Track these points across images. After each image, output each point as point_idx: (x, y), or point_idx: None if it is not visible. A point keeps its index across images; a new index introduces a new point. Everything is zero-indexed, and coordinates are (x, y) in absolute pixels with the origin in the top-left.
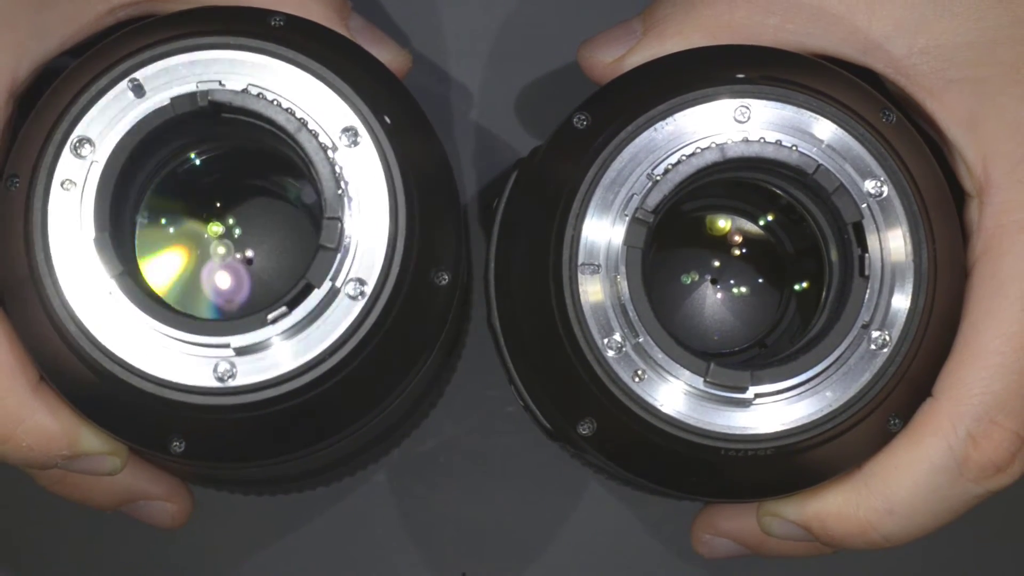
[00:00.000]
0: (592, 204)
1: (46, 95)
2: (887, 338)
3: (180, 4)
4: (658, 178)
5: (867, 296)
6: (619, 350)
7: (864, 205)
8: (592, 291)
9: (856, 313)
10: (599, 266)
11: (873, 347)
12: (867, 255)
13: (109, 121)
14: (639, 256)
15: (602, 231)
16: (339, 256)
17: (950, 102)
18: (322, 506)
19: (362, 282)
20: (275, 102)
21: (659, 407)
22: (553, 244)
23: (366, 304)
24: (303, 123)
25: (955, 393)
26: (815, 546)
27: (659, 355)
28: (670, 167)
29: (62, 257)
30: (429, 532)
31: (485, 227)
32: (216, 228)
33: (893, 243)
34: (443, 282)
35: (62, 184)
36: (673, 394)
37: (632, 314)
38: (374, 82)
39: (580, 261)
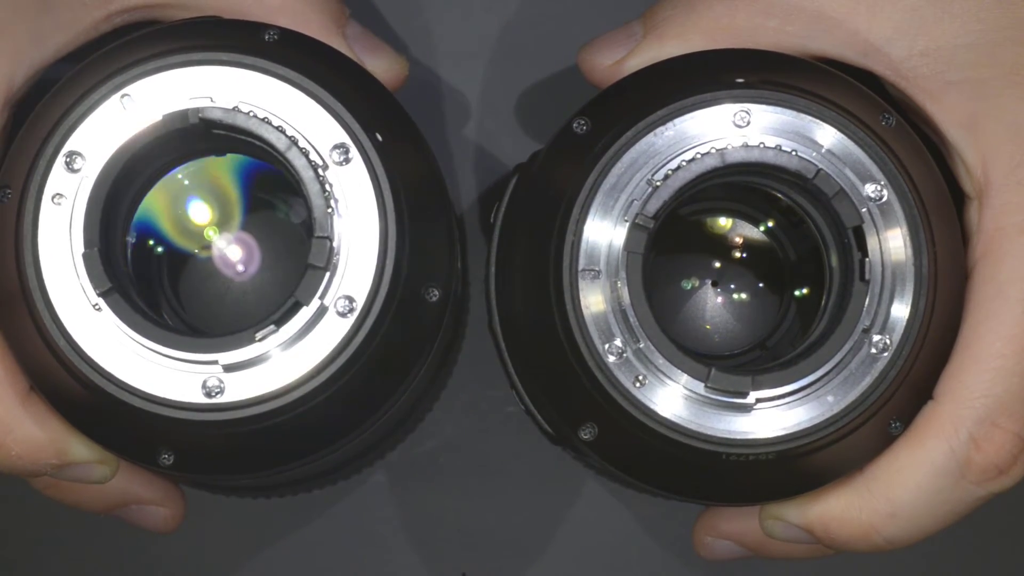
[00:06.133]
0: (592, 209)
1: (39, 107)
2: (888, 342)
3: (178, 11)
4: (658, 184)
5: (867, 301)
6: (620, 355)
7: (864, 209)
8: (592, 297)
9: (856, 318)
10: (599, 271)
11: (874, 351)
12: (867, 259)
13: (100, 136)
14: (639, 261)
15: (602, 236)
16: (328, 274)
17: (950, 104)
18: (321, 507)
19: (351, 299)
20: (266, 120)
21: (660, 412)
22: (553, 249)
23: (355, 322)
24: (293, 141)
25: (956, 396)
26: (817, 549)
27: (660, 360)
28: (670, 172)
29: (52, 271)
30: (429, 532)
31: (486, 232)
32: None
33: (893, 247)
34: (434, 299)
35: (53, 198)
36: (674, 399)
37: (633, 320)
38: (366, 98)
39: (580, 266)
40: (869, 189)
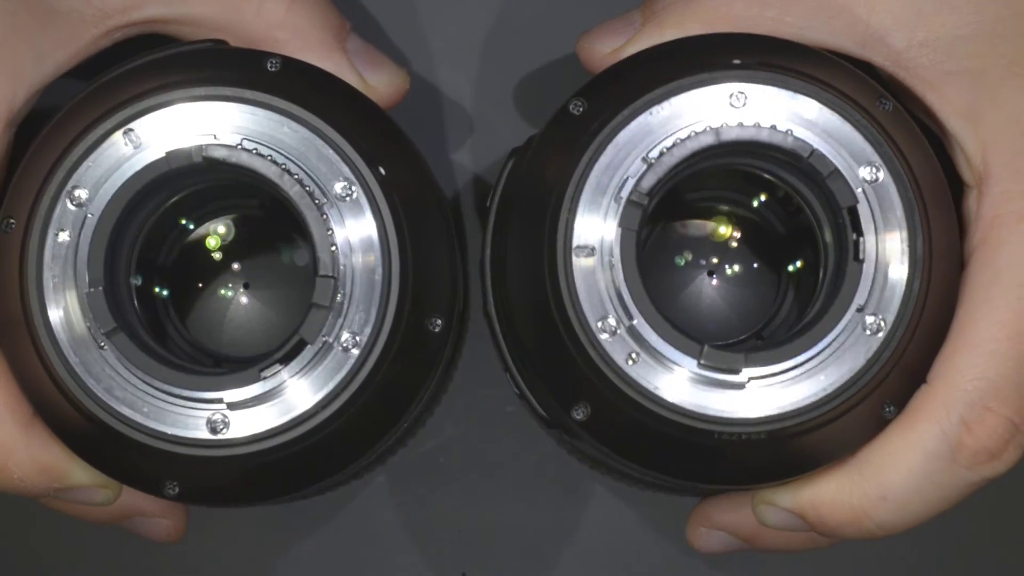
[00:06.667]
0: (587, 187)
1: (42, 137)
2: (882, 323)
3: (178, 27)
4: (653, 161)
5: (862, 280)
6: (613, 333)
7: (859, 190)
8: (586, 274)
9: (851, 297)
10: (594, 249)
11: (868, 332)
12: (862, 239)
13: (104, 172)
14: (633, 238)
15: (597, 214)
16: (332, 313)
17: (949, 94)
18: (322, 507)
19: (356, 335)
20: (269, 158)
21: (653, 390)
22: (548, 227)
23: (359, 357)
24: (297, 180)
25: (949, 379)
26: (810, 538)
27: (653, 337)
28: (665, 150)
29: (56, 305)
30: (429, 532)
31: (482, 217)
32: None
33: (888, 228)
34: (437, 328)
35: (56, 235)
36: (667, 377)
37: (626, 296)
38: (369, 130)
39: (575, 244)
40: (864, 171)
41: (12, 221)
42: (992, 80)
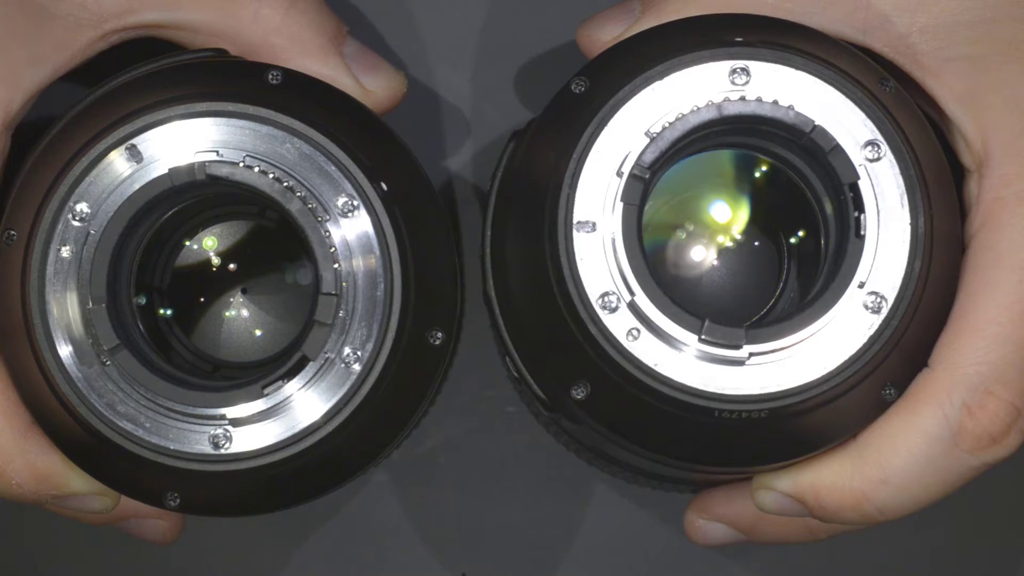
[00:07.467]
0: (588, 162)
1: (43, 148)
2: (883, 301)
3: (175, 32)
4: (655, 135)
5: (863, 257)
6: (613, 309)
7: (860, 167)
8: (587, 249)
9: (851, 273)
10: (595, 224)
11: (868, 309)
12: (863, 216)
13: (106, 188)
14: (635, 213)
15: (598, 189)
16: (334, 330)
17: (949, 79)
18: (322, 507)
19: (357, 350)
20: (272, 176)
21: (652, 366)
22: (549, 203)
23: (361, 372)
24: (301, 199)
25: (951, 363)
26: (808, 529)
27: (654, 312)
28: (667, 124)
29: (58, 320)
30: (429, 532)
31: (481, 202)
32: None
33: (890, 205)
34: (437, 342)
35: (59, 249)
36: (667, 353)
37: (627, 271)
38: (371, 145)
39: (576, 219)
40: (867, 149)
41: (13, 233)
42: (991, 64)
